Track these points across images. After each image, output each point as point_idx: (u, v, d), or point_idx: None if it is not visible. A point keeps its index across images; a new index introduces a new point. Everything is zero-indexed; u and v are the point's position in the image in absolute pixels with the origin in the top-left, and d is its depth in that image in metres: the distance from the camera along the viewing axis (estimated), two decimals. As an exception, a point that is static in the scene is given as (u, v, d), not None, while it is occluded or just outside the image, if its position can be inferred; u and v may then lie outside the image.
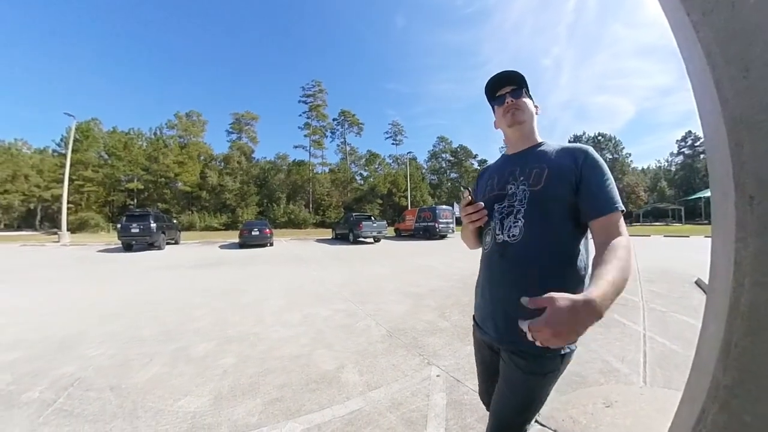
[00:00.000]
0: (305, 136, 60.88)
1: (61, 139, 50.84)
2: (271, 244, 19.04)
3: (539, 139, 1.30)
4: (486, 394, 1.40)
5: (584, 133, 66.40)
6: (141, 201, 50.73)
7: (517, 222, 1.15)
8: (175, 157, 50.39)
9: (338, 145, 66.13)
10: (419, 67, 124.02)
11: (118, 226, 16.41)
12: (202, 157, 54.96)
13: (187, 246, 20.05)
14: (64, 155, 39.13)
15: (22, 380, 3.15)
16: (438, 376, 2.91)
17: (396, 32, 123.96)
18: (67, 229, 24.75)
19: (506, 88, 1.28)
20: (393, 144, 72.21)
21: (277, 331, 4.28)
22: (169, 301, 6.15)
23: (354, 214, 24.93)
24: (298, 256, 13.96)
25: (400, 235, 26.68)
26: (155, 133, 55.92)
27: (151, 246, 16.62)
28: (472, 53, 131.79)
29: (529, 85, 1.31)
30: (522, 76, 1.27)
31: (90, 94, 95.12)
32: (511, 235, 1.15)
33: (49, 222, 55.67)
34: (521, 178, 1.18)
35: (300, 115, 62.04)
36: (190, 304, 5.81)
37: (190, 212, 46.76)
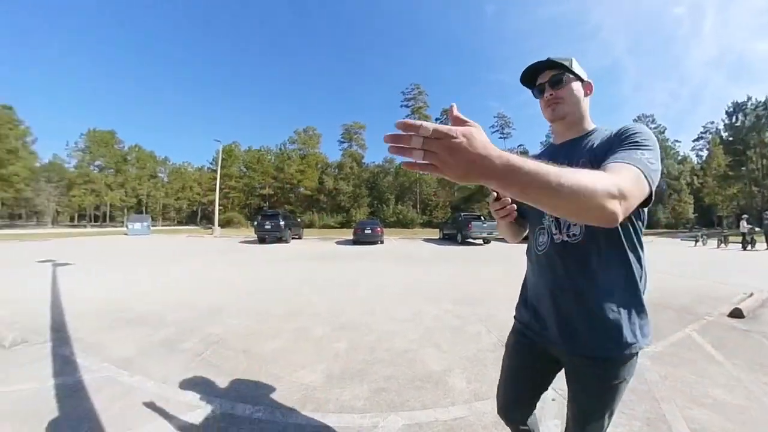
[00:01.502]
0: None
1: (213, 159, 67.42)
2: (382, 242, 20.03)
3: (590, 126, 1.16)
4: (516, 403, 1.37)
5: (749, 99, 46.79)
6: (272, 203, 61.89)
7: None
8: (297, 166, 60.60)
9: None
10: (520, 53, 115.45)
11: (255, 223, 20.15)
12: (319, 166, 63.27)
13: (308, 241, 22.64)
14: (215, 171, 55.57)
15: (182, 333, 4.03)
16: (553, 400, 2.48)
17: (488, 20, 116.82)
18: (218, 225, 31.03)
19: (546, 75, 1.13)
20: (501, 138, 67.26)
21: (387, 324, 4.37)
22: (293, 286, 6.97)
23: (463, 213, 23.99)
24: (408, 254, 14.26)
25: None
26: (280, 148, 68.79)
27: (279, 240, 19.57)
28: (578, 23, 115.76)
29: (576, 62, 1.13)
30: (563, 62, 1.10)
31: (231, 122, 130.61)
32: (571, 234, 1.08)
33: (206, 219, 75.36)
34: None
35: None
36: (311, 291, 6.48)
37: (311, 212, 54.19)
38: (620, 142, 0.94)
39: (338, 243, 20.77)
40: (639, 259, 1.05)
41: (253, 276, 8.24)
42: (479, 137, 0.60)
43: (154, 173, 75.70)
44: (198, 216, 76.91)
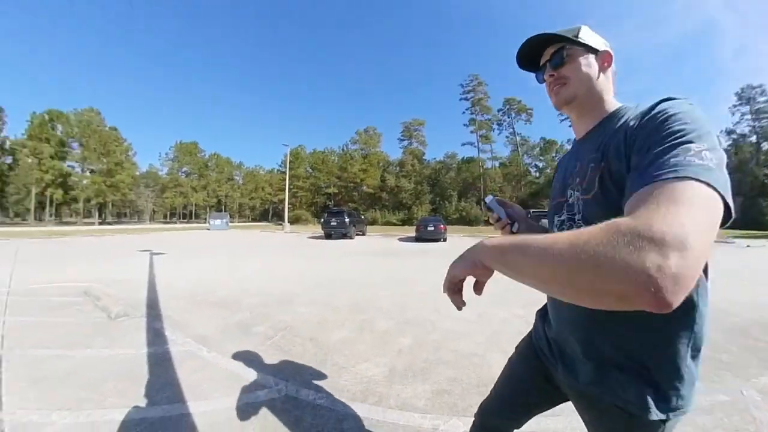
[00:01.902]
0: (471, 132, 60.45)
1: (281, 162, 73.49)
2: (444, 240, 19.70)
3: (612, 107, 0.88)
4: (499, 410, 1.24)
5: None
6: (336, 202, 64.34)
7: None
8: (359, 166, 62.18)
9: (507, 137, 62.14)
10: (591, 26, 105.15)
11: (321, 220, 21.20)
12: (380, 164, 64.33)
13: (372, 237, 23.17)
14: (284, 172, 64.29)
15: (255, 318, 4.32)
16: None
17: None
18: (288, 222, 32.64)
19: (547, 53, 0.92)
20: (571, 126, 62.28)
21: (452, 323, 4.20)
22: (358, 280, 7.12)
23: (531, 210, 22.53)
24: None
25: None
26: (343, 149, 71.57)
27: (344, 236, 20.34)
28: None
29: (588, 29, 0.90)
30: (565, 33, 0.88)
31: (297, 127, 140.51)
32: None
33: (276, 217, 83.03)
34: (577, 180, 0.86)
35: (463, 113, 61.91)
36: (375, 285, 6.55)
37: (373, 210, 55.61)
38: (649, 134, 0.63)
39: (400, 240, 20.94)
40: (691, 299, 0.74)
41: (320, 269, 8.60)
42: (461, 260, 0.77)
43: (231, 176, 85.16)
44: (269, 214, 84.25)
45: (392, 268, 9.06)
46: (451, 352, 3.32)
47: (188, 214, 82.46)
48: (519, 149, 60.01)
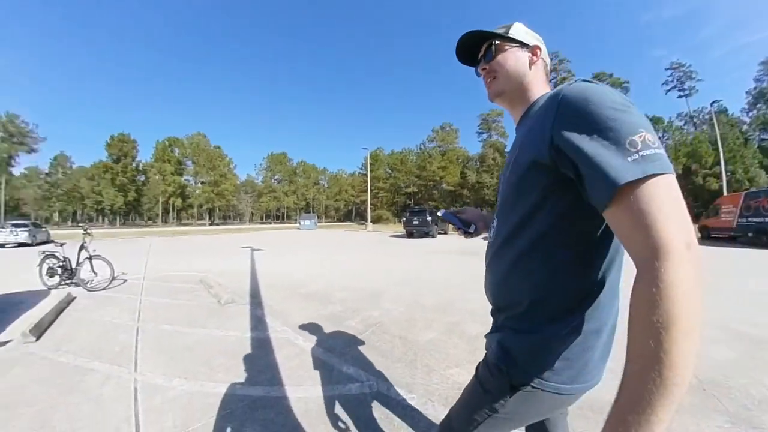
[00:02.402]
0: None
1: (362, 165, 75.68)
2: None
3: (534, 96, 0.89)
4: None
5: None
6: (416, 201, 64.06)
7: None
8: (438, 163, 61.00)
9: None
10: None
11: (403, 219, 21.25)
12: (460, 160, 62.14)
13: (454, 236, 22.33)
14: (365, 174, 67.76)
15: (346, 312, 4.42)
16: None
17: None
18: (370, 221, 33.74)
19: (483, 48, 0.94)
20: (681, 96, 49.63)
21: None
22: (443, 279, 6.91)
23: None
24: None
25: (708, 236, 16.55)
26: (420, 148, 70.91)
27: (426, 234, 20.11)
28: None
29: (521, 25, 0.93)
30: (497, 30, 0.91)
31: (374, 130, 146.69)
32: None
33: (359, 216, 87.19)
34: (507, 171, 0.88)
35: None
36: (461, 286, 6.23)
37: (454, 208, 52.63)
38: (569, 129, 0.62)
39: (485, 238, 19.87)
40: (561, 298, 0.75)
41: (405, 267, 8.62)
42: None
43: (316, 181, 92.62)
44: (352, 214, 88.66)
45: (478, 268, 8.56)
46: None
47: (280, 216, 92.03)
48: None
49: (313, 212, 72.94)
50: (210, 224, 69.74)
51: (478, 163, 59.55)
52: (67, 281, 6.06)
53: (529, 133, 0.75)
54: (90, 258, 6.02)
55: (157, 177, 65.59)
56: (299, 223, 38.95)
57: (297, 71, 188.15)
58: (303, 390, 2.45)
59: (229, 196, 72.57)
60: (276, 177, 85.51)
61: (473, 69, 1.03)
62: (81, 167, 69.72)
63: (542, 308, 0.75)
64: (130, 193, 65.79)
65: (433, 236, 20.07)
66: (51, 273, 6.05)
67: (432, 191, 62.79)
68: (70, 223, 70.17)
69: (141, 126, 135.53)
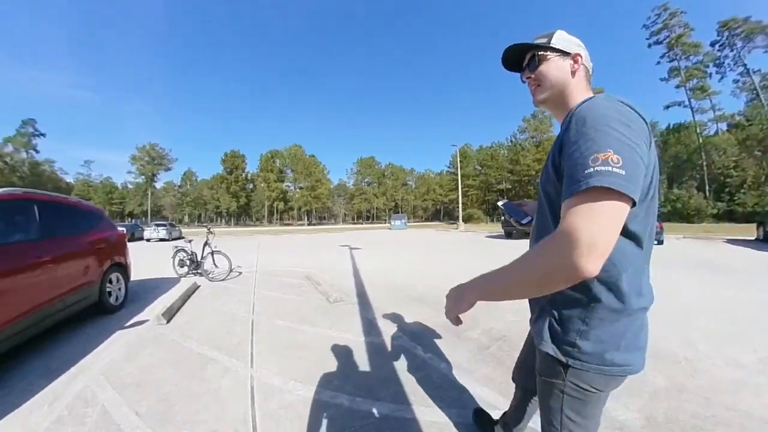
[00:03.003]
0: (676, 87, 41.47)
1: (449, 163, 74.47)
2: (660, 242, 13.09)
3: (576, 102, 0.92)
4: (521, 365, 1.56)
5: None
6: (510, 198, 59.05)
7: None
8: (532, 156, 55.39)
9: (736, 81, 39.75)
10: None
11: (502, 218, 19.27)
12: None
13: None
14: (453, 173, 67.99)
15: (466, 323, 3.78)
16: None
17: None
18: (461, 221, 32.43)
19: (527, 57, 1.02)
20: None
21: (719, 366, 2.71)
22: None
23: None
24: (708, 262, 8.32)
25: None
26: (511, 141, 65.08)
27: (526, 235, 18.02)
28: None
29: (563, 33, 1.00)
30: (539, 39, 1.00)
31: (459, 127, 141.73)
32: None
33: (447, 216, 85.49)
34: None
35: (658, 63, 43.18)
36: None
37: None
38: (568, 145, 0.76)
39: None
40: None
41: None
42: (452, 294, 1.02)
43: (404, 182, 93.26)
44: (440, 213, 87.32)
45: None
46: (731, 411, 2.08)
47: (370, 216, 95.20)
48: (761, 95, 36.51)
49: (401, 212, 73.95)
50: (308, 224, 75.96)
51: (578, 153, 53.13)
52: (194, 272, 6.87)
53: (556, 139, 0.89)
54: (212, 253, 6.76)
55: (262, 185, 75.48)
56: (390, 223, 39.57)
57: (380, 80, 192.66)
58: (433, 413, 2.03)
59: (324, 199, 78.57)
60: (366, 180, 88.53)
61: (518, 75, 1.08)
62: (204, 180, 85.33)
63: (583, 291, 0.86)
64: (242, 199, 77.85)
65: (534, 237, 18.26)
66: (181, 264, 7.02)
67: (527, 187, 57.76)
68: (196, 224, 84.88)
69: (247, 141, 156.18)
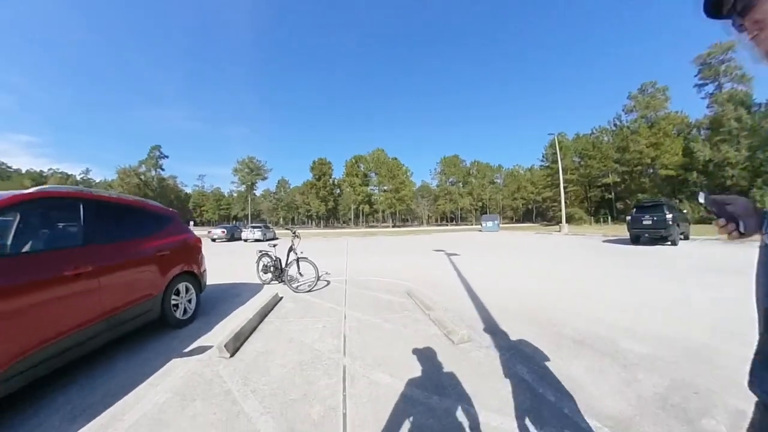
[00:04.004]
0: None
1: (543, 156, 66.04)
2: None
3: None
4: None
5: None
6: (617, 193, 51.02)
7: None
8: (646, 140, 43.85)
9: None
10: None
11: (628, 218, 15.00)
12: (677, 131, 43.66)
13: (705, 243, 14.29)
14: (548, 167, 62.08)
15: (678, 388, 2.03)
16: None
17: None
18: (564, 221, 28.11)
19: None
20: None
21: None
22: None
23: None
24: None
25: None
26: (614, 124, 53.81)
27: (662, 239, 13.74)
28: None
29: None
30: None
31: (549, 113, 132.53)
32: None
33: (540, 217, 77.86)
34: None
35: None
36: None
37: (677, 200, 35.43)
38: None
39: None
40: None
41: (666, 293, 5.06)
42: None
43: (492, 180, 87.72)
44: (532, 213, 79.80)
45: None
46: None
47: (454, 218, 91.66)
48: None
49: (492, 213, 69.26)
50: (392, 226, 75.77)
51: (708, 131, 39.19)
52: (278, 278, 6.20)
53: None
54: (297, 260, 5.88)
55: (348, 189, 77.82)
56: (481, 224, 36.65)
57: (460, 76, 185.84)
58: None
59: (409, 200, 78.22)
60: (450, 179, 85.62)
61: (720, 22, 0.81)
62: (295, 186, 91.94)
63: None
64: (329, 203, 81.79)
65: (673, 243, 13.46)
66: (265, 270, 6.42)
67: (640, 179, 46.37)
68: (290, 225, 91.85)
69: (332, 148, 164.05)
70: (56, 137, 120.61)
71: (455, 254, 10.90)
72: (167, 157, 78.98)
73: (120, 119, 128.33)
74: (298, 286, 5.61)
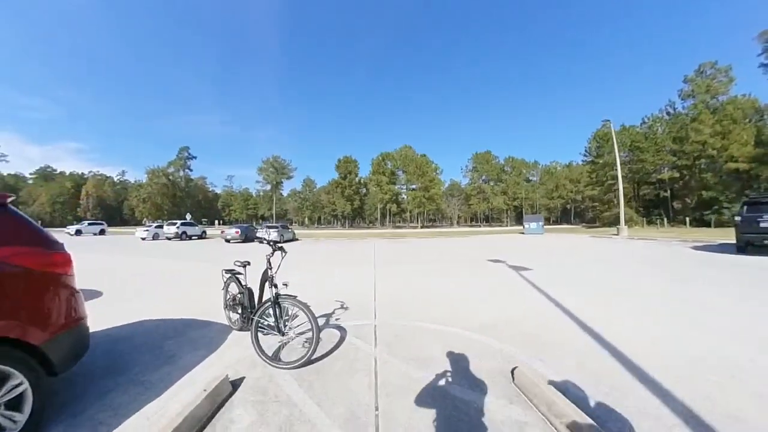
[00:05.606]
0: None
1: (585, 150, 59.34)
2: None
3: None
4: None
5: None
6: (674, 191, 45.16)
7: None
8: (710, 128, 37.91)
9: None
10: None
11: (738, 219, 11.73)
12: (747, 118, 37.62)
13: None
14: (591, 162, 54.83)
15: None
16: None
17: None
18: (623, 224, 23.95)
19: None
20: None
21: None
22: None
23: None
24: None
25: None
26: (667, 112, 47.98)
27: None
28: None
29: None
30: None
31: (590, 104, 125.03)
32: None
33: (578, 217, 71.64)
34: None
35: None
36: None
37: (746, 197, 29.82)
38: None
39: None
40: None
41: None
42: None
43: (527, 177, 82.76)
44: (570, 214, 74.37)
45: None
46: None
47: (486, 218, 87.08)
48: None
49: (527, 213, 64.32)
50: (420, 227, 71.90)
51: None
52: (248, 323, 3.21)
53: None
54: (275, 301, 3.02)
55: (374, 188, 75.15)
56: (523, 225, 32.89)
57: (491, 68, 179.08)
58: None
59: (438, 199, 74.62)
60: (483, 177, 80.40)
61: None
62: (321, 186, 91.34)
63: None
64: (355, 202, 79.81)
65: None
66: (234, 305, 3.72)
67: (701, 174, 40.11)
68: (316, 225, 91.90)
69: (358, 146, 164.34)
70: (100, 143, 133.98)
71: (523, 268, 7.85)
72: (195, 157, 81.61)
73: (156, 125, 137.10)
74: (277, 350, 3.05)
